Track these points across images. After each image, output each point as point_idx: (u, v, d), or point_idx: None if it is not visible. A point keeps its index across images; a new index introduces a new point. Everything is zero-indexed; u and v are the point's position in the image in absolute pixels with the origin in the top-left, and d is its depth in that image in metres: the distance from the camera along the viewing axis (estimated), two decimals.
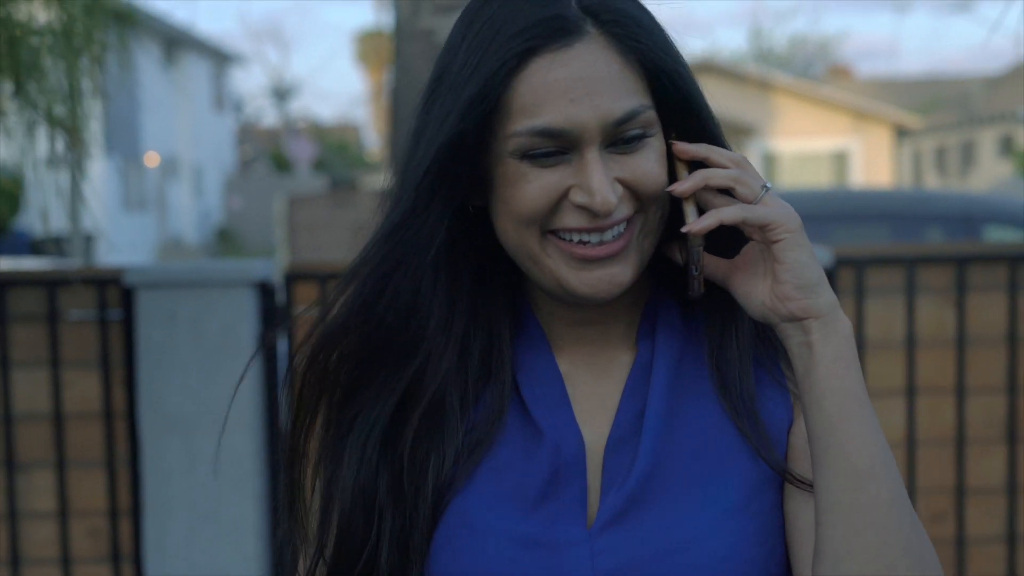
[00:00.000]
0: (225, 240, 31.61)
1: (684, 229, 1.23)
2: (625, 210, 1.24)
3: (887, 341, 3.71)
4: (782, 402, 1.33)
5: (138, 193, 29.40)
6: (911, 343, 3.70)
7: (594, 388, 1.35)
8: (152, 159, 30.16)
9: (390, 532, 1.29)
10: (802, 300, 1.21)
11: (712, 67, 29.33)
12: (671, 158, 1.27)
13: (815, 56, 46.45)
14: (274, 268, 3.62)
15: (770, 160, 28.23)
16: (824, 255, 3.59)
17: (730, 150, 1.30)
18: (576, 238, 1.24)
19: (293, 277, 3.61)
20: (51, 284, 3.60)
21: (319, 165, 39.38)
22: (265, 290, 3.55)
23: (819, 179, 27.32)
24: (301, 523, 1.34)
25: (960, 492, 3.74)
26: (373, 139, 52.30)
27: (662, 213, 1.27)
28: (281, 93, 47.27)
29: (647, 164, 1.24)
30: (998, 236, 6.40)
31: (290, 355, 1.38)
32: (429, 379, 1.31)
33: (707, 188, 1.24)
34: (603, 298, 1.26)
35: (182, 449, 3.47)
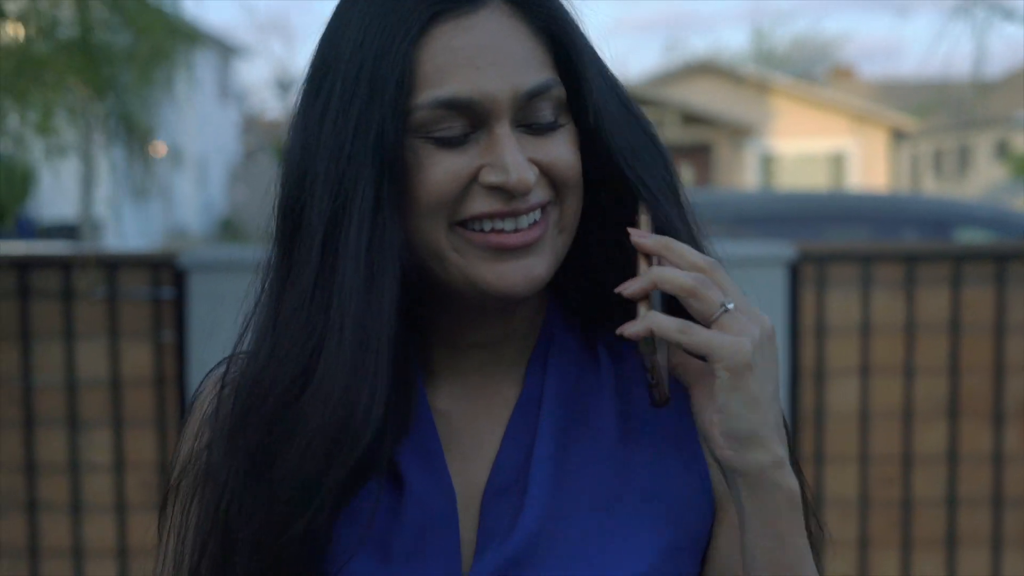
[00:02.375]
0: (229, 230, 31.60)
1: (619, 331, 1.06)
2: (541, 194, 1.09)
3: (845, 327, 4.04)
4: (700, 477, 1.17)
5: (144, 182, 29.60)
6: (866, 329, 4.04)
7: (474, 425, 1.15)
8: (159, 149, 30.35)
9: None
10: (726, 450, 1.04)
11: (712, 68, 29.44)
12: (631, 249, 1.09)
13: (817, 57, 46.19)
14: None
15: (768, 161, 28.13)
16: (788, 251, 3.96)
17: (666, 164, 1.14)
18: (488, 226, 1.07)
19: None
20: (111, 265, 3.98)
21: None
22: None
23: (817, 180, 27.12)
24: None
25: (907, 460, 4.07)
26: None
27: (576, 207, 1.11)
28: (285, 85, 47.31)
29: (561, 147, 1.09)
30: (968, 237, 6.77)
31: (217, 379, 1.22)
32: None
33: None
34: (519, 293, 1.08)
35: None
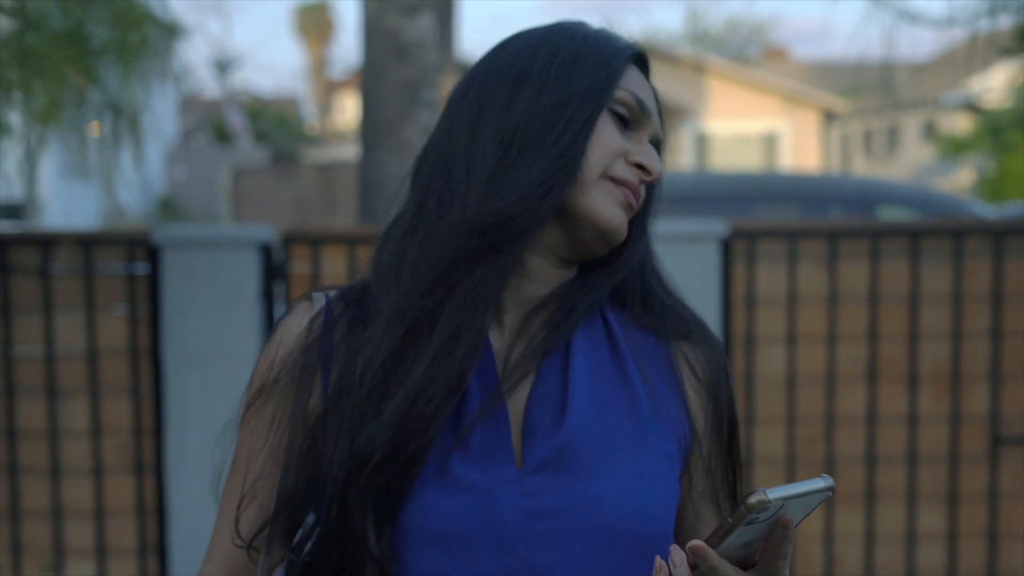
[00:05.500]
0: (168, 210, 31.30)
1: None
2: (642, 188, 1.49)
3: (773, 298, 4.27)
4: (683, 409, 1.48)
5: (81, 162, 29.24)
6: (792, 300, 4.27)
7: (519, 361, 1.43)
8: (95, 129, 30.02)
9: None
10: None
11: (647, 49, 29.61)
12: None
13: (750, 38, 46.29)
14: (273, 232, 4.20)
15: (703, 141, 28.18)
16: (721, 227, 4.19)
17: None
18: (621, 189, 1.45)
19: (289, 240, 4.17)
20: (88, 243, 4.16)
21: (259, 137, 38.85)
22: (266, 250, 4.12)
23: (750, 161, 27.22)
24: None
25: (830, 421, 4.29)
26: (312, 112, 51.90)
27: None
28: (223, 65, 46.95)
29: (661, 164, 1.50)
30: (889, 215, 7.08)
31: (288, 304, 1.61)
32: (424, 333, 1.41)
33: None
34: (615, 229, 1.44)
35: (199, 379, 4.08)
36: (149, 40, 3.31)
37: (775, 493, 1.20)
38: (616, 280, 1.50)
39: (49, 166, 22.80)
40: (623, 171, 1.46)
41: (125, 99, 3.41)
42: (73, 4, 3.20)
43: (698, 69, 28.01)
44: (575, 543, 1.36)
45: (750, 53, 44.15)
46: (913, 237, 4.31)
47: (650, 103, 1.49)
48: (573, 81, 1.45)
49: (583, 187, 1.43)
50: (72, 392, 4.21)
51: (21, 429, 4.19)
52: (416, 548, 1.34)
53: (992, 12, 5.40)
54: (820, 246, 4.31)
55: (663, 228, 4.26)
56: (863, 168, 34.31)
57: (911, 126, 32.68)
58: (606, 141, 1.44)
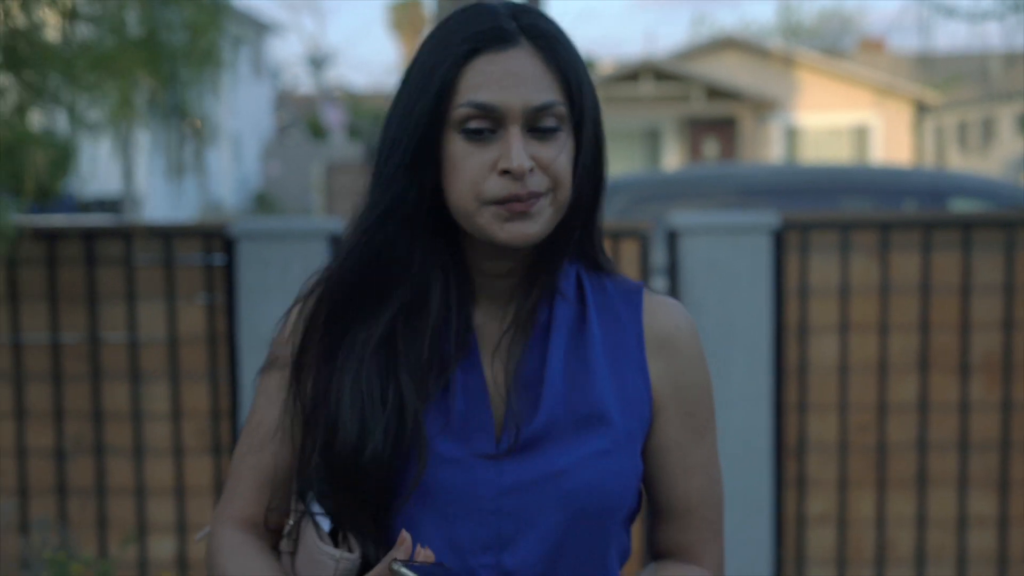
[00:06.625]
0: (263, 205, 31.64)
1: None
2: (540, 184, 1.46)
3: (825, 289, 4.36)
4: (646, 390, 1.57)
5: (178, 159, 29.73)
6: (844, 290, 4.36)
7: (501, 337, 1.55)
8: (194, 126, 30.42)
9: (383, 430, 1.48)
10: None
11: (737, 42, 29.47)
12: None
13: (845, 29, 45.84)
14: (341, 224, 4.38)
15: (793, 134, 28.08)
16: (774, 219, 4.27)
17: (603, 170, 1.56)
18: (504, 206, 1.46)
19: None
20: (167, 235, 4.35)
21: (353, 133, 39.19)
22: (336, 241, 4.25)
23: (841, 154, 27.10)
24: (299, 414, 1.54)
25: (882, 408, 4.38)
26: None
27: (565, 195, 1.49)
28: (317, 61, 47.46)
29: (556, 151, 1.47)
30: (961, 207, 7.11)
31: (301, 295, 1.60)
32: (405, 316, 1.52)
33: None
34: (518, 244, 1.47)
35: None
36: (216, 48, 3.51)
37: (408, 570, 1.37)
38: (559, 261, 1.55)
39: (148, 164, 23.31)
40: (496, 189, 1.45)
41: (192, 103, 3.62)
42: (149, 11, 3.41)
43: (788, 62, 27.89)
44: (538, 514, 1.50)
45: (845, 45, 43.68)
46: (965, 228, 4.39)
47: (501, 93, 1.45)
48: (421, 100, 1.48)
49: (468, 217, 1.48)
50: (154, 377, 4.40)
51: (106, 411, 4.40)
52: (404, 508, 1.50)
53: (1017, 7, 5.43)
54: (872, 237, 4.39)
55: (717, 220, 4.41)
56: (958, 161, 33.82)
57: (1006, 118, 32.14)
58: (463, 174, 1.47)
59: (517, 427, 1.50)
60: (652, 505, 1.67)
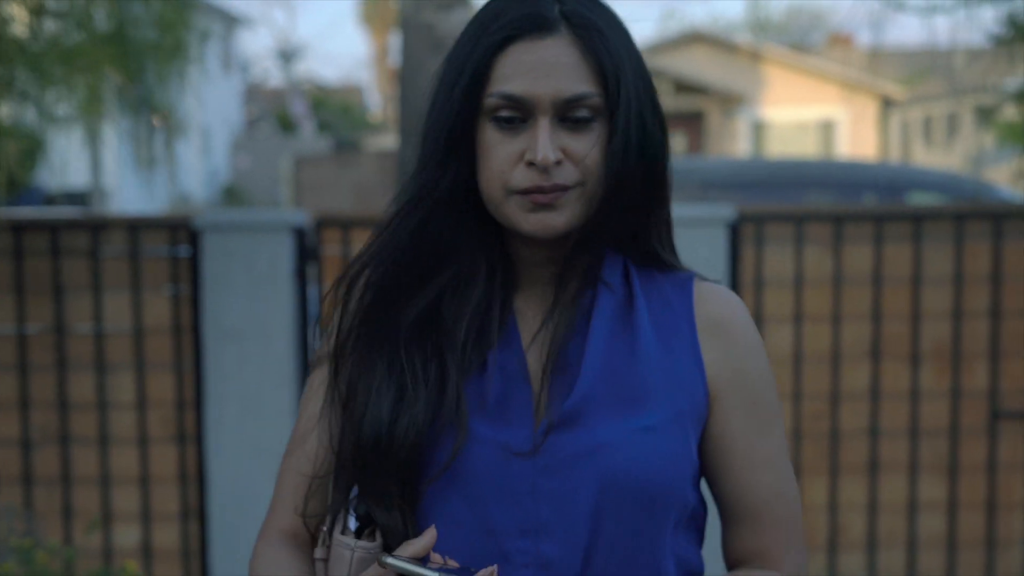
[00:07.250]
0: (232, 198, 31.42)
1: None
2: (568, 177, 1.44)
3: (780, 280, 4.44)
4: (699, 372, 1.52)
5: (147, 152, 29.52)
6: (798, 281, 4.43)
7: (543, 321, 1.52)
8: (160, 120, 30.20)
9: (412, 414, 1.46)
10: None
11: (705, 36, 29.53)
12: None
13: (813, 25, 45.89)
14: (306, 217, 4.38)
15: (760, 128, 28.14)
16: (729, 212, 4.33)
17: (667, 164, 1.53)
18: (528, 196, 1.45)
19: (321, 223, 4.37)
20: (133, 227, 4.39)
21: (323, 126, 38.95)
22: (300, 233, 4.31)
23: (807, 148, 27.12)
24: (338, 402, 1.52)
25: (834, 397, 4.46)
26: (376, 101, 51.90)
27: (595, 187, 1.45)
28: (287, 55, 47.17)
29: (587, 144, 1.44)
30: (919, 200, 7.20)
31: (337, 280, 1.60)
32: (448, 298, 1.51)
33: None
34: (543, 235, 1.45)
35: (236, 355, 4.29)
36: (184, 43, 3.57)
37: (395, 561, 1.37)
38: (597, 250, 1.53)
39: (118, 157, 23.19)
40: (522, 179, 1.45)
41: (161, 97, 3.68)
42: (117, 6, 3.47)
43: (755, 57, 27.93)
44: (577, 496, 1.45)
45: (813, 40, 43.73)
46: (916, 221, 4.48)
47: (531, 84, 1.44)
48: (456, 88, 1.48)
49: (496, 206, 1.48)
50: (119, 367, 4.44)
51: (72, 401, 4.44)
52: (435, 489, 1.47)
53: (967, 1, 5.50)
54: (825, 230, 4.47)
55: (675, 213, 4.45)
56: (922, 156, 33.99)
57: (968, 113, 32.30)
58: (492, 163, 1.46)
59: (554, 406, 1.47)
60: (720, 507, 1.59)
